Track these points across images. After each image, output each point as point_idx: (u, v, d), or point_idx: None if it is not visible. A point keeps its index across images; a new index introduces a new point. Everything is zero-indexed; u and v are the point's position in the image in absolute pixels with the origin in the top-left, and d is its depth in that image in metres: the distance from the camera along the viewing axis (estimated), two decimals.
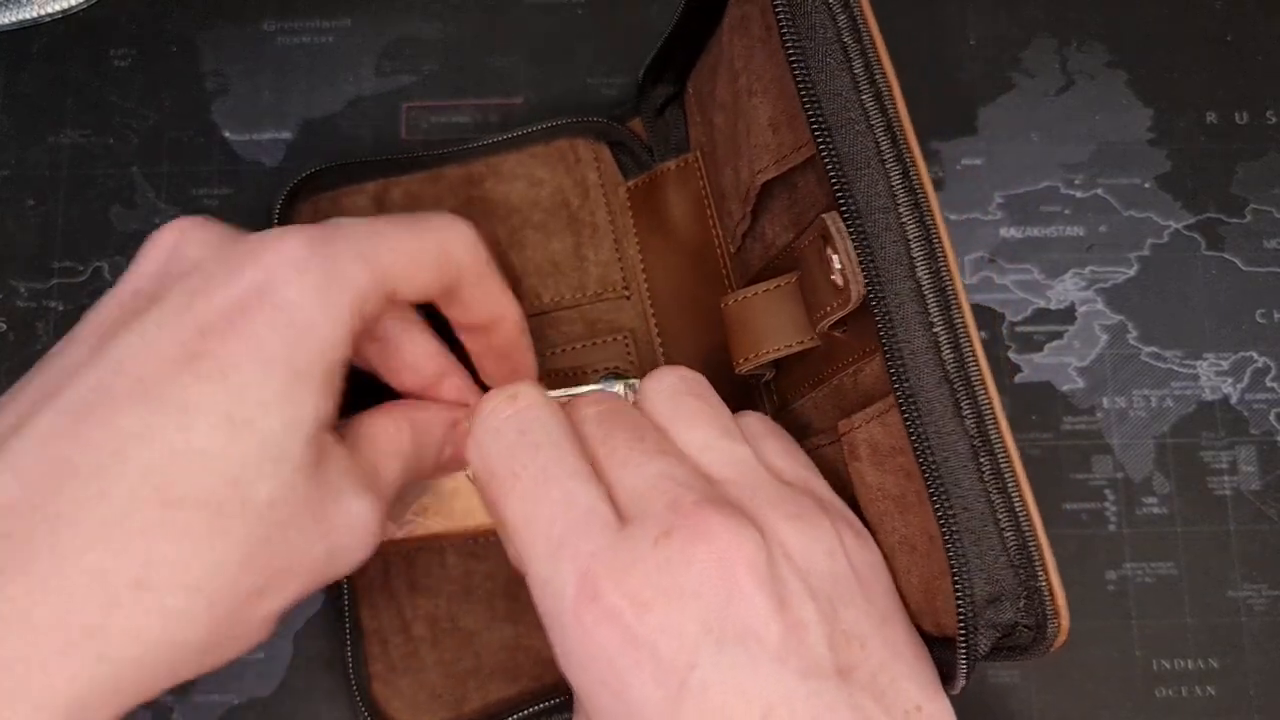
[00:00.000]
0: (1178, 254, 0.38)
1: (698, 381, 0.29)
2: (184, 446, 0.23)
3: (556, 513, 0.25)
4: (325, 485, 0.26)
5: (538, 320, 0.35)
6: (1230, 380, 0.37)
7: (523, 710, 0.33)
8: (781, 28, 0.25)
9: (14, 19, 0.39)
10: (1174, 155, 0.38)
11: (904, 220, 0.24)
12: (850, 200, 0.24)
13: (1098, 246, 0.38)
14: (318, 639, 0.35)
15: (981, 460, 0.24)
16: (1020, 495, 0.24)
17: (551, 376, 0.35)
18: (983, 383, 0.24)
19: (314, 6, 0.39)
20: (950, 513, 0.24)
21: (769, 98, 0.29)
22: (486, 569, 0.34)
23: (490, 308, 0.30)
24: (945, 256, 0.24)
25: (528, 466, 0.26)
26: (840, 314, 0.27)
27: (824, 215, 0.26)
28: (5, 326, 0.37)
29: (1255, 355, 0.37)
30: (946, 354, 0.24)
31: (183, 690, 0.35)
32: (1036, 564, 0.24)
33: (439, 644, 0.33)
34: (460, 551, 0.34)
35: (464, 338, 0.31)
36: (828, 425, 0.30)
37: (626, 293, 0.36)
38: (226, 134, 0.39)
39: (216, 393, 0.24)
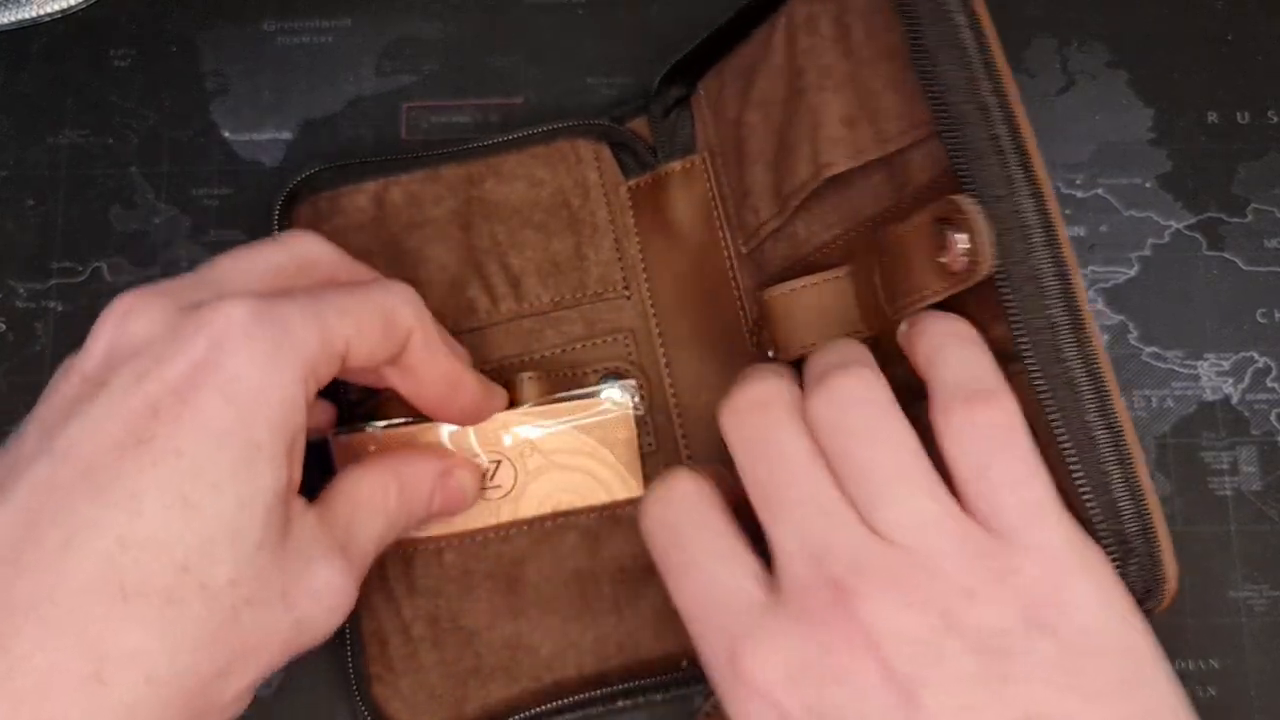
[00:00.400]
0: (1179, 254, 0.38)
1: (872, 387, 0.26)
2: (136, 535, 0.23)
3: (704, 594, 0.26)
4: (291, 555, 0.25)
5: (538, 320, 0.35)
6: (1231, 380, 0.37)
7: (523, 710, 0.33)
8: (909, 24, 0.26)
9: (14, 19, 0.39)
10: (1175, 155, 0.38)
11: (1022, 208, 0.25)
12: (974, 186, 0.25)
13: (1099, 246, 0.38)
14: None
15: (1099, 435, 0.25)
16: (1135, 468, 0.25)
17: (551, 377, 0.35)
18: (1099, 362, 0.25)
19: (314, 6, 0.39)
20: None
21: (842, 94, 0.30)
22: (486, 568, 0.34)
23: (441, 372, 0.30)
24: (1062, 243, 0.25)
25: (681, 554, 0.27)
26: (941, 297, 0.27)
27: (951, 198, 0.26)
28: (4, 327, 0.37)
29: (1256, 355, 0.37)
30: (1064, 335, 0.25)
31: None
32: (1150, 531, 0.25)
33: (439, 644, 0.33)
34: (459, 551, 0.34)
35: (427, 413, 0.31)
36: None
37: (627, 292, 0.36)
38: (226, 134, 0.39)
39: (169, 475, 0.23)
